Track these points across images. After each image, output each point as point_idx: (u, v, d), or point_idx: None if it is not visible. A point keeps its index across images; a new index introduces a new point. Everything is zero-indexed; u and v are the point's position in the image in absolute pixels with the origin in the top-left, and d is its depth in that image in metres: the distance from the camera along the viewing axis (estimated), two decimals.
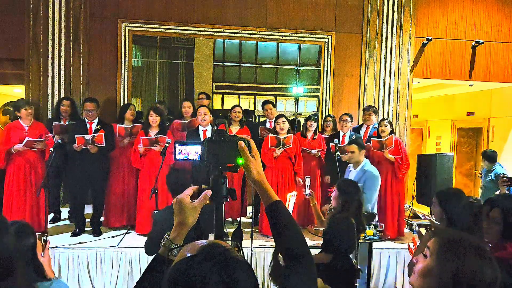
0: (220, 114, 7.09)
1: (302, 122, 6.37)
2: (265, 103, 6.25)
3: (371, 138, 5.41)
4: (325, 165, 5.66)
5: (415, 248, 2.93)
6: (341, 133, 5.63)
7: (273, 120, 5.91)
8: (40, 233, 2.13)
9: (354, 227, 3.08)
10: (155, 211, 3.43)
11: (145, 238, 4.87)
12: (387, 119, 5.59)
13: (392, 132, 5.37)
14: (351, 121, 5.68)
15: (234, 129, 5.56)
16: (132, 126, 5.35)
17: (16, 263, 1.38)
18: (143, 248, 4.53)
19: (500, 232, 2.25)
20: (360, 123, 6.46)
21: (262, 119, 6.81)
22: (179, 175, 3.20)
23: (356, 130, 6.11)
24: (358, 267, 3.14)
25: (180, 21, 6.59)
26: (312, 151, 5.54)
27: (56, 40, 6.26)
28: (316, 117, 5.82)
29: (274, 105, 6.34)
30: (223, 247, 0.89)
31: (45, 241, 2.09)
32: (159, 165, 4.84)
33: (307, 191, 3.47)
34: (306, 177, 3.60)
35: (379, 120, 5.84)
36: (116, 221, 5.35)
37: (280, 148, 5.13)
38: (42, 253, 2.01)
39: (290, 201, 3.54)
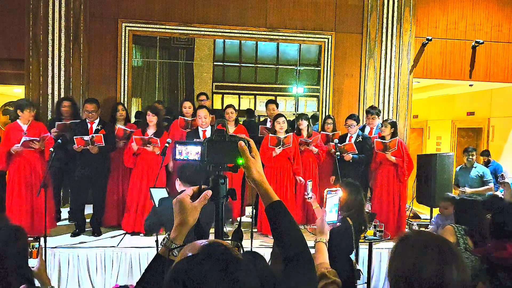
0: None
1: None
2: (269, 102, 6.26)
3: (375, 140, 5.41)
4: (330, 166, 5.66)
5: None
6: (348, 135, 5.62)
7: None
8: (32, 239, 2.05)
9: (351, 228, 3.06)
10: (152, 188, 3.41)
11: (138, 237, 4.92)
12: (390, 119, 5.58)
13: (394, 133, 5.34)
14: (357, 124, 5.65)
15: (230, 129, 5.57)
16: (132, 131, 5.33)
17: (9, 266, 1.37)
18: (144, 248, 4.56)
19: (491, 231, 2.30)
20: (362, 123, 6.46)
21: (261, 118, 6.81)
22: (192, 167, 3.18)
23: (360, 131, 6.11)
24: (358, 267, 3.13)
25: (180, 21, 6.59)
26: (312, 148, 5.53)
27: (56, 40, 6.26)
28: (304, 115, 5.82)
29: (278, 106, 6.34)
30: (224, 247, 0.89)
31: (37, 248, 2.02)
32: (153, 166, 4.86)
33: (310, 194, 3.45)
34: (308, 181, 3.56)
35: (382, 120, 5.85)
36: (115, 220, 5.36)
37: (279, 148, 5.13)
38: (37, 259, 1.96)
39: (308, 187, 3.47)
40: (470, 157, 6.36)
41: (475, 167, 6.35)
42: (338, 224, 2.31)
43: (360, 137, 5.59)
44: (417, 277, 1.21)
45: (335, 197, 2.22)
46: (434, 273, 1.20)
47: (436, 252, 1.24)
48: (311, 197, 3.46)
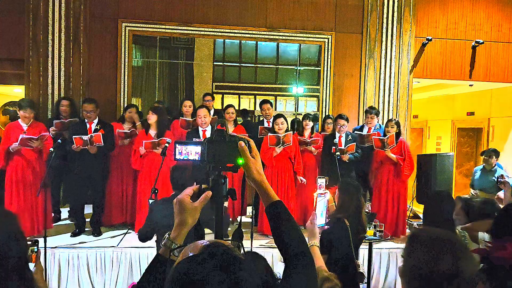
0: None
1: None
2: (262, 102, 6.25)
3: (373, 137, 5.42)
4: (323, 166, 5.64)
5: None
6: (337, 135, 5.61)
7: (270, 120, 5.91)
8: (30, 242, 2.01)
9: (348, 229, 3.01)
10: (152, 200, 3.44)
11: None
12: (394, 119, 5.57)
13: (399, 133, 5.37)
14: (347, 123, 5.63)
15: (230, 128, 5.57)
16: (132, 131, 5.35)
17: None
18: (144, 248, 4.56)
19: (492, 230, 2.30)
20: (362, 123, 6.46)
21: (262, 118, 6.80)
22: (182, 172, 3.21)
23: (358, 131, 6.11)
24: (361, 270, 3.08)
25: (180, 21, 6.59)
26: (310, 147, 5.53)
27: (56, 40, 6.26)
28: (310, 116, 5.81)
29: (272, 105, 6.33)
30: (225, 247, 0.89)
31: (36, 251, 1.99)
32: (158, 166, 4.85)
33: (319, 191, 3.38)
34: (319, 177, 3.51)
35: (386, 120, 5.84)
36: (115, 219, 5.37)
37: (280, 147, 5.13)
38: (34, 263, 1.94)
39: (320, 184, 3.39)
40: (486, 158, 6.14)
41: (496, 171, 6.10)
42: (326, 227, 2.30)
43: (349, 136, 5.60)
44: (435, 272, 1.22)
45: (324, 199, 2.22)
46: (451, 266, 1.22)
47: (450, 246, 1.26)
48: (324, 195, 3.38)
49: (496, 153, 6.26)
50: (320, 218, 2.14)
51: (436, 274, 1.23)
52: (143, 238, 3.17)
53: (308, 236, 2.00)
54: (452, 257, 1.25)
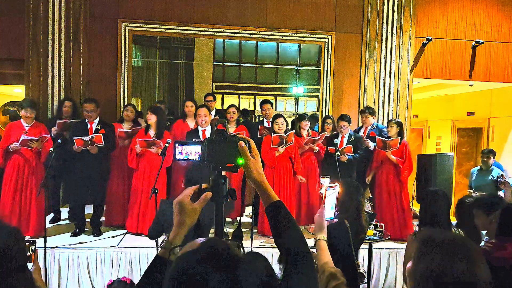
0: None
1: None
2: (263, 102, 6.25)
3: (377, 137, 5.42)
4: (323, 166, 5.64)
5: None
6: (340, 135, 5.61)
7: (270, 120, 5.91)
8: (28, 242, 2.00)
9: (349, 230, 3.01)
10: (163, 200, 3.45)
11: (140, 237, 4.92)
12: (395, 119, 5.58)
13: (400, 133, 5.36)
14: (349, 124, 5.64)
15: (231, 128, 5.56)
16: (133, 130, 5.35)
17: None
18: (144, 248, 4.56)
19: (497, 230, 2.30)
20: (360, 124, 6.46)
21: (262, 118, 6.81)
22: (201, 171, 3.20)
23: (356, 132, 6.13)
24: (361, 271, 3.08)
25: (180, 21, 6.59)
26: (315, 146, 5.52)
27: (56, 40, 6.26)
28: (307, 116, 5.81)
29: (272, 105, 6.32)
30: (224, 245, 0.88)
31: (34, 250, 1.98)
32: (156, 166, 4.86)
33: (323, 190, 3.38)
34: (322, 177, 3.47)
35: (386, 120, 5.84)
36: (115, 219, 5.37)
37: (283, 146, 5.13)
38: (32, 263, 1.93)
39: (324, 183, 3.35)
40: (485, 159, 6.22)
41: (492, 170, 6.18)
42: (334, 220, 2.29)
43: (352, 137, 5.61)
44: (449, 275, 1.22)
45: (334, 193, 2.21)
46: (465, 270, 1.22)
47: (464, 250, 1.26)
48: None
49: (493, 153, 6.37)
50: (329, 212, 2.12)
51: (449, 278, 1.22)
52: (153, 235, 3.17)
53: (315, 229, 1.97)
54: (466, 262, 1.24)
